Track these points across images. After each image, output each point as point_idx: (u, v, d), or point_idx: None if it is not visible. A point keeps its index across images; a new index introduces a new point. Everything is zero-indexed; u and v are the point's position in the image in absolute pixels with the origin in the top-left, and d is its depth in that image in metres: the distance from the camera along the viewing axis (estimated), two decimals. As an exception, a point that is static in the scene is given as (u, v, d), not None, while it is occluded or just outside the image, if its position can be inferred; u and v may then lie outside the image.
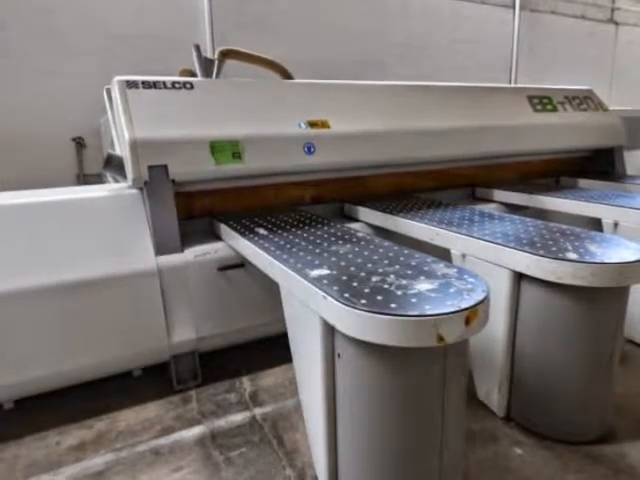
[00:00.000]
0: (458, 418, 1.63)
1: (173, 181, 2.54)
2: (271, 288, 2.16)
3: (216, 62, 3.27)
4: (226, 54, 3.37)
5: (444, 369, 1.52)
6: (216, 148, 2.64)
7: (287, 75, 3.67)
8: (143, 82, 2.65)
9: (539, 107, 4.08)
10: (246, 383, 2.62)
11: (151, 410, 2.40)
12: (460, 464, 1.74)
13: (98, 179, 5.56)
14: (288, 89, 3.18)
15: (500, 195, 3.57)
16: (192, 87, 2.78)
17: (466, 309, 1.38)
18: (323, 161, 2.96)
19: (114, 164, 3.35)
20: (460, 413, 1.64)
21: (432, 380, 1.52)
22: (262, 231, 2.41)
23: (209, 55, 3.37)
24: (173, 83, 2.73)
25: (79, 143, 6.25)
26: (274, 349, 2.84)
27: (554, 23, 10.40)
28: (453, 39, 9.05)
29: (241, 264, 2.57)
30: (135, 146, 2.45)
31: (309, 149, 2.90)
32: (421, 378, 1.51)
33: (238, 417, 2.32)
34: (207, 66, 3.23)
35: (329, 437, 1.70)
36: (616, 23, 11.44)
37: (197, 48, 3.23)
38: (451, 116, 3.56)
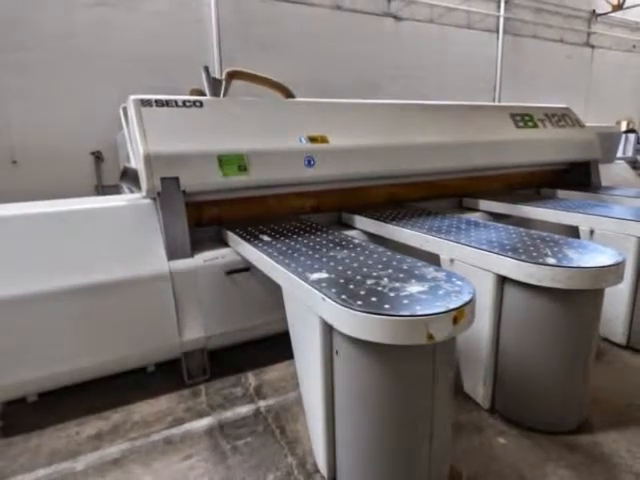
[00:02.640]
0: (446, 410, 1.63)
1: (184, 192, 2.56)
2: (274, 290, 2.17)
3: (223, 82, 3.29)
4: (233, 75, 3.39)
5: (433, 365, 1.53)
6: (223, 161, 2.66)
7: (289, 94, 3.69)
8: (156, 101, 2.67)
9: (521, 124, 4.10)
10: (251, 378, 2.62)
11: (163, 403, 2.41)
12: (448, 452, 1.75)
13: (115, 190, 5.57)
14: (290, 107, 3.20)
15: (485, 205, 3.58)
16: (201, 105, 2.80)
17: (454, 309, 1.40)
18: (322, 173, 2.97)
19: (130, 176, 3.36)
20: (448, 405, 1.65)
21: (422, 375, 1.53)
22: (266, 238, 2.43)
23: (217, 76, 3.38)
24: (184, 102, 2.75)
25: (97, 157, 6.28)
26: (277, 346, 2.85)
27: (535, 46, 10.50)
28: (441, 61, 9.11)
29: (247, 268, 2.58)
30: (149, 159, 2.46)
31: (309, 162, 2.91)
32: (412, 373, 1.52)
33: (243, 409, 2.33)
34: (215, 86, 3.25)
35: (328, 428, 1.71)
36: (592, 46, 11.53)
37: (206, 69, 3.25)
38: (441, 132, 3.58)
